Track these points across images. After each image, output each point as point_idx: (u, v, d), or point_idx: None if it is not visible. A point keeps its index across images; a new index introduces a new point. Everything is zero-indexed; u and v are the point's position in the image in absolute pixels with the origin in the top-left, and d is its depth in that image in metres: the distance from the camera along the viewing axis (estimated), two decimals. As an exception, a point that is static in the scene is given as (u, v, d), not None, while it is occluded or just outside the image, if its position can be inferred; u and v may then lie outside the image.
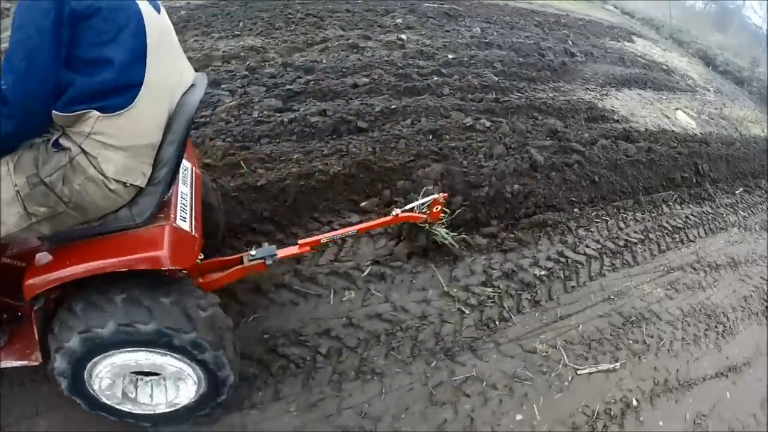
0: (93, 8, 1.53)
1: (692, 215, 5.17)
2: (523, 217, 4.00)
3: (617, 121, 6.21)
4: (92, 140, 1.69)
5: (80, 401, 2.13)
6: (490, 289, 3.25)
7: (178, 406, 2.27)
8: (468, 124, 4.84)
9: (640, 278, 3.93)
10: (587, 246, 3.97)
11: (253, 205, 3.72)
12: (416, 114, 4.94)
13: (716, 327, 3.84)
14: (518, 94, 6.02)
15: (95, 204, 1.78)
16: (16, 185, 1.71)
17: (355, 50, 6.87)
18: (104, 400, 2.15)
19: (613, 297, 3.61)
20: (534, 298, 3.32)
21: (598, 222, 4.32)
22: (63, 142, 1.70)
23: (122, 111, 1.67)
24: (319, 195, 3.81)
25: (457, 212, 3.56)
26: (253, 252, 2.63)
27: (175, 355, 1.98)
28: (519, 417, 2.64)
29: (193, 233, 2.07)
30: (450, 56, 6.79)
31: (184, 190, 2.29)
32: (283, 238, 3.57)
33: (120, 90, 1.66)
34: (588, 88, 7.06)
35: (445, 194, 3.23)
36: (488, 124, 4.92)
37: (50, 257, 1.85)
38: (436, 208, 3.21)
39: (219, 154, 4.21)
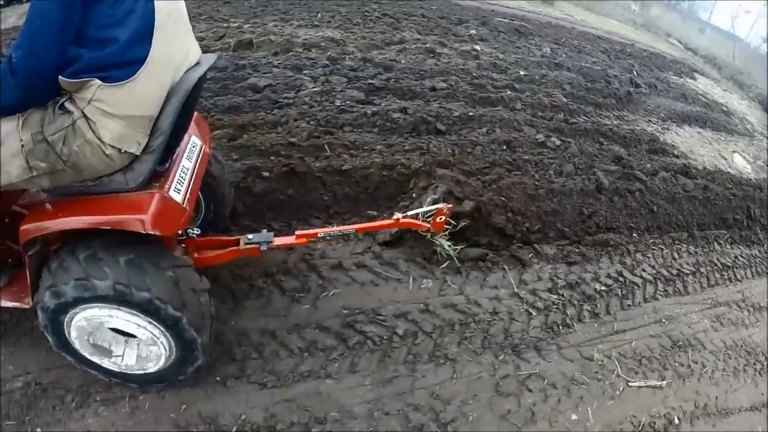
0: None
1: (741, 256, 5.24)
2: (587, 234, 4.16)
3: (677, 156, 6.27)
4: (93, 107, 1.79)
5: (51, 339, 2.21)
6: (555, 296, 3.42)
7: (136, 371, 2.36)
8: (540, 140, 5.00)
9: (689, 307, 4.05)
10: (643, 270, 4.10)
11: (335, 188, 3.93)
12: (491, 124, 5.11)
13: (755, 364, 3.94)
14: (585, 117, 6.13)
15: (91, 166, 1.89)
16: (21, 140, 1.83)
17: (432, 55, 7.06)
18: (76, 345, 2.24)
19: (664, 320, 3.74)
20: (594, 311, 3.47)
21: (654, 249, 4.44)
22: (68, 105, 1.81)
23: (122, 83, 1.77)
24: (399, 186, 4.00)
25: (460, 225, 3.44)
26: (250, 236, 2.71)
27: (157, 324, 2.08)
28: (574, 417, 2.79)
29: (183, 205, 2.14)
30: (522, 72, 6.94)
31: (187, 164, 2.37)
32: (357, 221, 3.77)
33: (122, 65, 1.76)
34: (650, 120, 7.13)
35: (450, 205, 3.21)
36: (558, 142, 5.07)
37: (48, 208, 1.97)
38: (440, 219, 3.19)
39: (304, 135, 4.42)
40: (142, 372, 2.36)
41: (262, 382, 2.62)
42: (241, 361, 2.70)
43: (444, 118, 4.96)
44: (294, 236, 2.81)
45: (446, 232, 3.38)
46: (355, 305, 3.03)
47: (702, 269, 4.63)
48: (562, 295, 3.46)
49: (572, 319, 3.33)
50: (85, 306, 2.02)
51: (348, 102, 5.11)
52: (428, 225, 3.20)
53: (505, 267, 3.49)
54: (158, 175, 2.14)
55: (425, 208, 3.21)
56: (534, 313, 3.25)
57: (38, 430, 2.39)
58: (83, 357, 2.30)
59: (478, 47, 7.60)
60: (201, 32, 7.81)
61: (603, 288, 3.68)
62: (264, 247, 2.68)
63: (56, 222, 1.90)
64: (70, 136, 1.82)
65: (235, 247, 2.68)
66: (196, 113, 2.65)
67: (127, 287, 1.93)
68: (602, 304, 3.56)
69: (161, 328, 2.09)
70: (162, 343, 2.17)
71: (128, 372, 2.36)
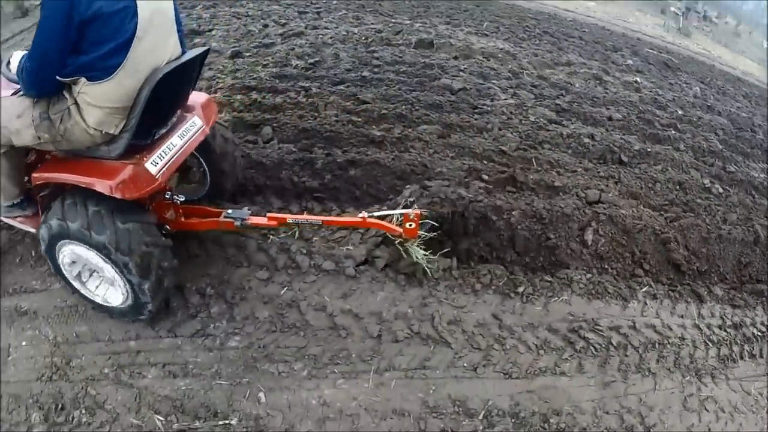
0: (98, 14, 1.95)
1: None
2: (741, 282, 4.44)
3: (812, 217, 6.30)
4: (81, 97, 2.16)
5: (49, 263, 2.59)
6: (724, 333, 3.74)
7: (107, 304, 2.67)
8: (706, 186, 5.18)
9: (822, 364, 4.29)
10: (789, 322, 4.35)
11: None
12: (664, 162, 5.31)
13: None
14: (736, 167, 6.15)
15: (80, 141, 2.29)
16: (32, 116, 2.25)
17: (599, 82, 7.25)
18: (65, 273, 2.60)
19: (803, 371, 4.02)
20: (751, 351, 3.77)
21: (796, 305, 4.65)
22: (65, 93, 2.20)
23: (101, 81, 2.12)
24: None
25: (430, 236, 3.14)
26: (229, 211, 2.89)
27: (111, 264, 2.38)
28: (737, 439, 3.15)
29: (156, 176, 2.39)
30: (680, 112, 7.02)
31: (177, 141, 2.61)
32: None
33: (103, 68, 2.10)
34: (791, 178, 7.09)
35: (418, 212, 2.93)
36: (721, 190, 5.22)
37: (55, 163, 2.43)
38: (409, 225, 2.90)
39: (512, 146, 4.79)
40: (109, 305, 2.68)
41: (507, 371, 2.89)
42: (485, 350, 3.00)
43: (626, 150, 5.21)
44: (266, 217, 2.91)
45: (419, 240, 3.08)
46: (578, 313, 3.39)
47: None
48: (729, 333, 3.78)
49: (736, 356, 3.66)
50: (65, 241, 2.40)
51: (541, 120, 5.44)
52: (400, 230, 2.95)
53: (689, 300, 3.85)
54: (142, 148, 2.47)
55: (396, 211, 3.04)
56: (710, 345, 3.59)
57: (261, 395, 2.49)
58: (72, 285, 2.68)
59: (638, 80, 7.71)
60: (373, 24, 8.21)
61: (758, 333, 3.96)
62: (238, 223, 2.84)
63: (54, 175, 2.35)
64: (66, 118, 2.22)
65: (215, 219, 2.91)
66: (206, 96, 2.99)
67: (88, 231, 2.29)
68: (757, 348, 3.84)
69: (114, 268, 2.41)
70: (119, 282, 2.49)
71: (103, 303, 2.69)
